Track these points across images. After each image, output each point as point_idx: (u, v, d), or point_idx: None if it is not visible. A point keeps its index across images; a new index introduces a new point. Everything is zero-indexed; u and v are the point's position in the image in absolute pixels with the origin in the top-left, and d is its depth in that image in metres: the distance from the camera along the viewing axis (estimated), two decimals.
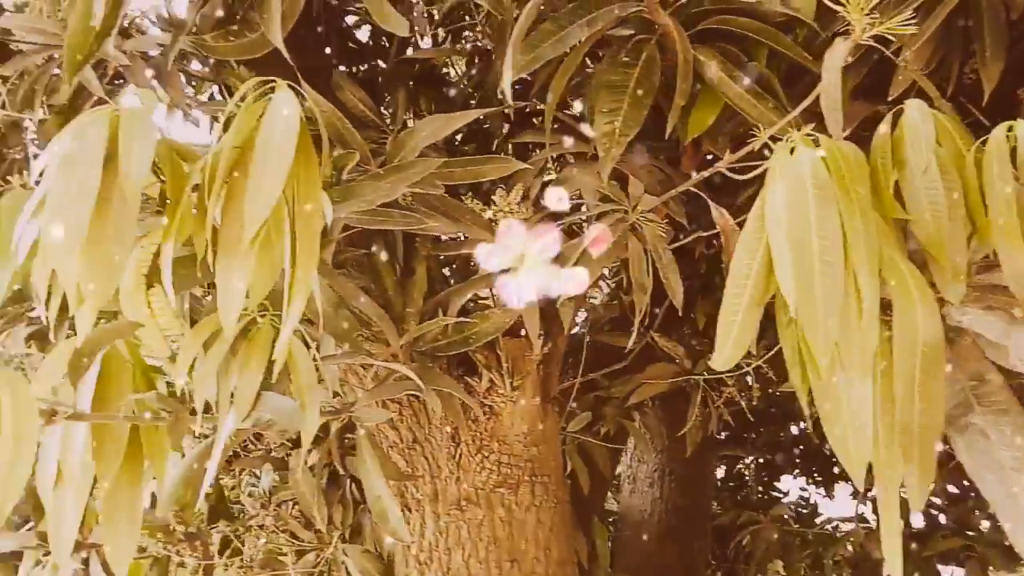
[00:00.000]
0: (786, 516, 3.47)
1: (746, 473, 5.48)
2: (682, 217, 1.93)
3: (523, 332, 1.88)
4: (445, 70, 3.33)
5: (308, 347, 1.41)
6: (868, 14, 1.08)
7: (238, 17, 1.81)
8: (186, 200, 1.02)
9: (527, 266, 1.84)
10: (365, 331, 1.84)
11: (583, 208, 2.17)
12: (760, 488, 5.34)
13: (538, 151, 2.37)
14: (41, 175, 1.37)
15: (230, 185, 1.01)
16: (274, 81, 1.07)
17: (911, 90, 1.64)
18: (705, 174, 1.53)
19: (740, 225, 1.12)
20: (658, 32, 1.62)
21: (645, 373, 2.49)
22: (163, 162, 1.05)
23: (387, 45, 2.99)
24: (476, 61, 3.03)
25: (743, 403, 2.45)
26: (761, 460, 5.29)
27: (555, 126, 2.16)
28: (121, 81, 2.28)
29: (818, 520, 4.36)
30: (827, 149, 1.00)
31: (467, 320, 1.77)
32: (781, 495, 5.25)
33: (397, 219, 1.57)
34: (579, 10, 1.53)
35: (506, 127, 2.65)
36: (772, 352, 2.50)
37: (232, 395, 1.29)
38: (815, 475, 5.17)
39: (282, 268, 1.12)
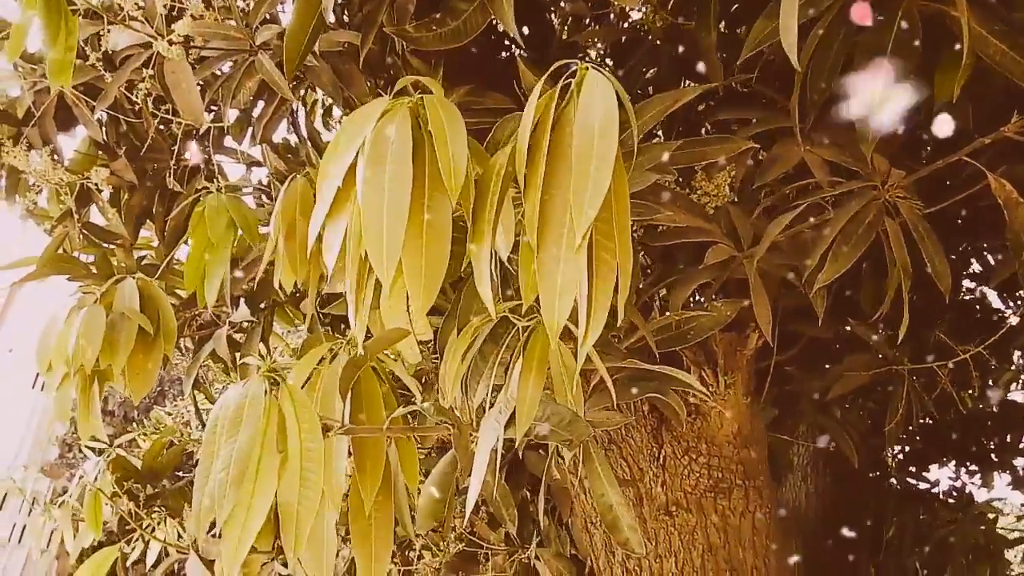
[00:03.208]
0: (990, 516, 3.17)
1: (890, 462, 5.17)
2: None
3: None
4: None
5: None
6: None
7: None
8: (493, 197, 0.93)
9: (760, 253, 1.70)
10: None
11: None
12: (907, 478, 5.04)
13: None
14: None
15: (545, 179, 0.91)
16: (575, 64, 0.96)
17: None
18: (986, 140, 1.35)
19: None
20: None
21: (844, 364, 2.30)
22: None
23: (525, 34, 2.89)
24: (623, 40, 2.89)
25: (956, 396, 2.23)
26: (907, 449, 4.98)
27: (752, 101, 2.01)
28: (295, 83, 2.26)
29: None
30: None
31: (693, 314, 1.64)
32: (930, 485, 4.94)
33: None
34: None
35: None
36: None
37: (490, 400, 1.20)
38: (968, 465, 4.84)
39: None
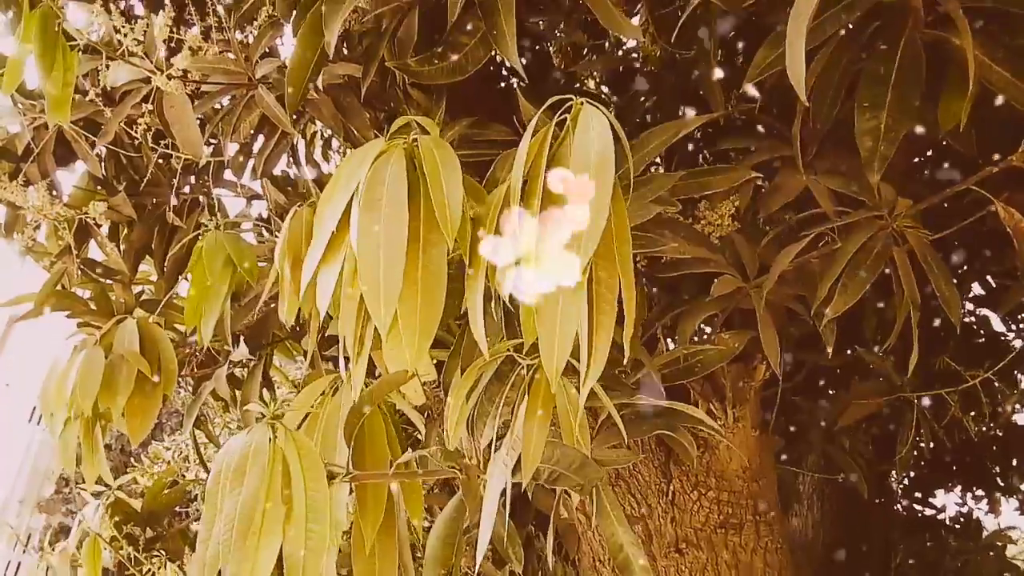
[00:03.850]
0: (999, 543, 3.11)
1: (896, 488, 5.11)
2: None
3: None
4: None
5: None
6: None
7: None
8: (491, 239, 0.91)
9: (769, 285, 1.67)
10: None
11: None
12: (913, 504, 4.98)
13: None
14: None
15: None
16: (570, 99, 0.95)
17: None
18: (993, 169, 1.34)
19: None
20: (912, 16, 1.44)
21: (851, 392, 2.27)
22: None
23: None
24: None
25: (970, 425, 2.20)
26: (913, 474, 4.93)
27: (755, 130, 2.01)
28: (296, 116, 2.24)
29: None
30: None
31: (701, 347, 1.61)
32: (936, 511, 4.88)
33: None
34: None
35: None
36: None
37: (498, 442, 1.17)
38: (974, 490, 4.78)
39: None
